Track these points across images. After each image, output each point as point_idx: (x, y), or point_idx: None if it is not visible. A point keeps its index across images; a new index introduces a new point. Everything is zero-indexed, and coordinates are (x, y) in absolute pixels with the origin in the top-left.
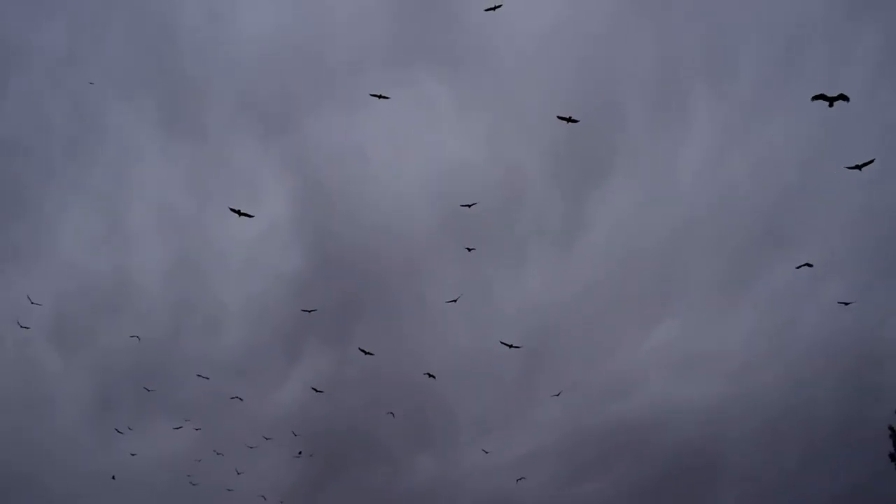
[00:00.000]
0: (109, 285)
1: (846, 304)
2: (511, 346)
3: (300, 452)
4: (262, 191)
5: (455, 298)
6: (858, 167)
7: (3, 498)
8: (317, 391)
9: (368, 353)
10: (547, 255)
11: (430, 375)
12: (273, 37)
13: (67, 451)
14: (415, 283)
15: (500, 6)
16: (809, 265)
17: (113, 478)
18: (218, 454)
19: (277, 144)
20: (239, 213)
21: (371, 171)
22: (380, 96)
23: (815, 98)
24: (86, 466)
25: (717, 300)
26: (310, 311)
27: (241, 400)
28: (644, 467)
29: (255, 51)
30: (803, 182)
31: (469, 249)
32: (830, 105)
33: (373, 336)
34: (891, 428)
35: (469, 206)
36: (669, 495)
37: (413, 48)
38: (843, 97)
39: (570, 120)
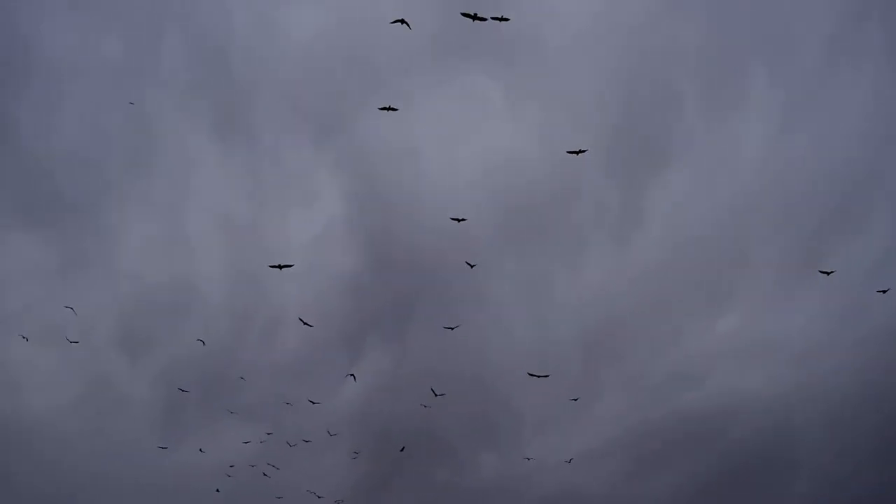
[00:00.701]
0: (172, 293)
1: (884, 291)
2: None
3: (402, 448)
4: (316, 192)
5: (454, 326)
6: None
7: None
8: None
9: (353, 376)
10: (605, 244)
11: (435, 393)
12: (319, 39)
13: (134, 456)
14: (472, 280)
15: (508, 20)
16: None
17: (217, 490)
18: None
19: (329, 145)
20: (280, 267)
21: (423, 168)
22: (388, 108)
23: None
24: (151, 471)
25: (783, 284)
26: (306, 324)
27: (292, 405)
28: (712, 459)
29: (303, 54)
30: (867, 161)
31: (470, 265)
32: None
33: (431, 334)
34: None
35: (459, 220)
36: (740, 487)
37: (460, 43)
38: None
39: (579, 152)
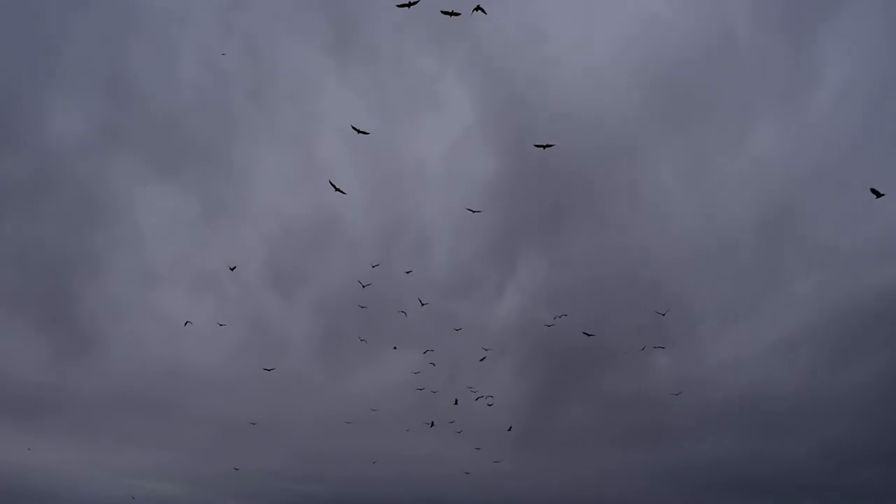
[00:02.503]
0: (314, 224)
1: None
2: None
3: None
4: (446, 97)
5: (546, 145)
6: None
7: (255, 438)
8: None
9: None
10: (774, 107)
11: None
12: None
13: (306, 387)
14: (624, 168)
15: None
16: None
17: (348, 422)
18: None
19: (452, 46)
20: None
21: (555, 52)
22: (359, 131)
23: None
24: (320, 401)
25: None
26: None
27: (460, 330)
28: None
29: None
30: None
31: (473, 211)
32: None
33: (585, 235)
34: None
35: (475, 211)
36: None
37: None
38: None
39: (546, 146)
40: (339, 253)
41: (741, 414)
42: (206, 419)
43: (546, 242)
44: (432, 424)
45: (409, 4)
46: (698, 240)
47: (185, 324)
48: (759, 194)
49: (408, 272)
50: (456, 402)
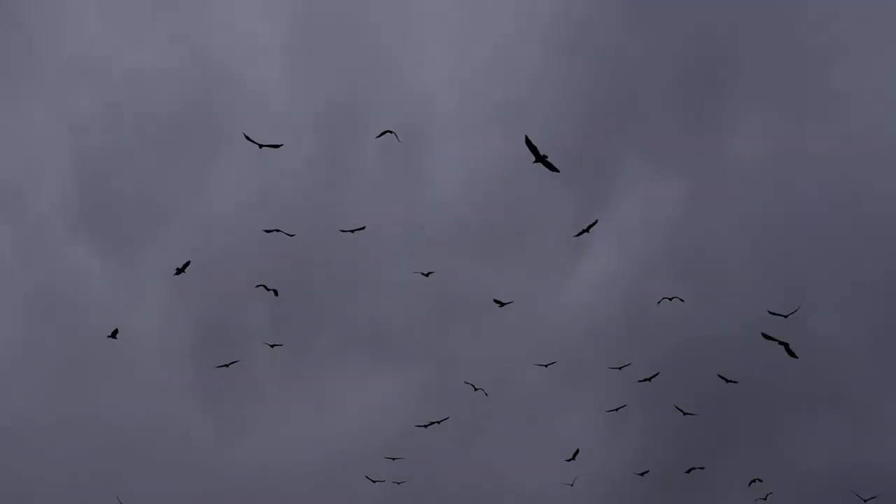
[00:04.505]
0: (184, 96)
1: None
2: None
3: None
4: None
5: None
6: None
7: None
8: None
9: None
10: None
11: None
12: None
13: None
14: None
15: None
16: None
17: None
18: None
19: None
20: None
21: None
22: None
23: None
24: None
25: None
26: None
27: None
28: None
29: None
30: None
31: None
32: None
33: (763, 132)
34: None
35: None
36: None
37: None
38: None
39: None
40: (236, 160)
41: None
42: None
43: (681, 144)
44: None
45: None
46: None
47: None
48: None
49: None
50: None
